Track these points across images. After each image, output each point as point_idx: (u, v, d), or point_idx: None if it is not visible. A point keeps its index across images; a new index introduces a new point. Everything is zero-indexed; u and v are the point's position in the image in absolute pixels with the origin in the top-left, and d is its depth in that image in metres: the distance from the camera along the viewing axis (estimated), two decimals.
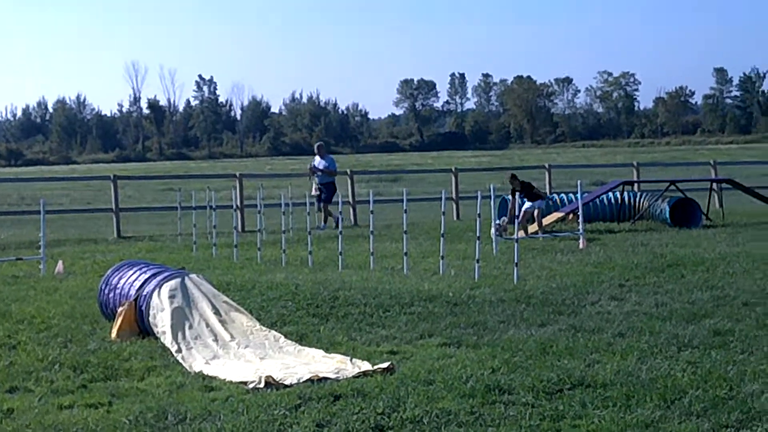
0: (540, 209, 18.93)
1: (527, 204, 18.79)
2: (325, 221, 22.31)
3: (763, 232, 18.23)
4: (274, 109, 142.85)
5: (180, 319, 9.01)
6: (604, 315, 9.70)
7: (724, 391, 6.66)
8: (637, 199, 21.61)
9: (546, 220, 19.46)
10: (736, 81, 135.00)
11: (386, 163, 70.04)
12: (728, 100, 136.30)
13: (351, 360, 7.93)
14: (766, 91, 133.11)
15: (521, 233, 16.76)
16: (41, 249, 15.12)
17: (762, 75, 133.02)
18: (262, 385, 7.21)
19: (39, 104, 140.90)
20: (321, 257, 15.52)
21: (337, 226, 18.78)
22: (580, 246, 16.26)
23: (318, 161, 22.97)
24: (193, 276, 9.74)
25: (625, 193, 21.79)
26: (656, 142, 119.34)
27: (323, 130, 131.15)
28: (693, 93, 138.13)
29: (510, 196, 19.15)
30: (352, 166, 41.74)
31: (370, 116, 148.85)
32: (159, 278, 9.55)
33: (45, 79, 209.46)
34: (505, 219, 18.58)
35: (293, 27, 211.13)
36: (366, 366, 7.69)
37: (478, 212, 13.41)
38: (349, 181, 25.30)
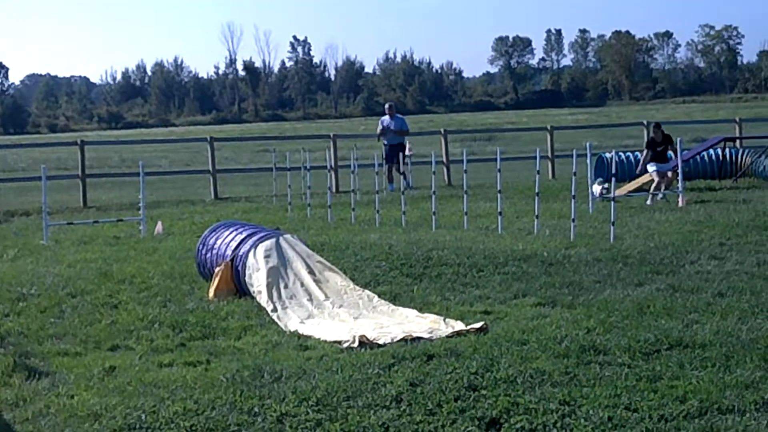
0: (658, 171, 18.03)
1: (655, 166, 17.67)
2: (404, 177, 22.16)
3: None
4: (368, 69, 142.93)
5: (275, 278, 9.12)
6: (703, 275, 9.49)
7: None
8: (739, 156, 21.02)
9: (643, 179, 18.91)
10: None
11: (481, 122, 69.50)
12: None
13: (444, 320, 7.93)
14: None
15: (621, 192, 16.37)
16: (141, 210, 15.44)
17: None
18: (356, 344, 7.26)
19: (138, 67, 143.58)
20: (415, 217, 15.52)
21: (407, 186, 18.92)
22: (680, 204, 15.93)
23: (388, 121, 22.96)
24: (288, 236, 9.83)
25: (727, 150, 21.21)
26: (760, 97, 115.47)
27: (417, 89, 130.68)
28: None
29: (645, 151, 18.23)
30: (446, 125, 41.51)
31: (465, 75, 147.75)
32: (254, 238, 9.67)
33: (143, 43, 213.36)
34: (601, 180, 18.02)
35: None
36: (459, 326, 7.68)
37: (573, 171, 13.21)
38: (443, 141, 25.21)
